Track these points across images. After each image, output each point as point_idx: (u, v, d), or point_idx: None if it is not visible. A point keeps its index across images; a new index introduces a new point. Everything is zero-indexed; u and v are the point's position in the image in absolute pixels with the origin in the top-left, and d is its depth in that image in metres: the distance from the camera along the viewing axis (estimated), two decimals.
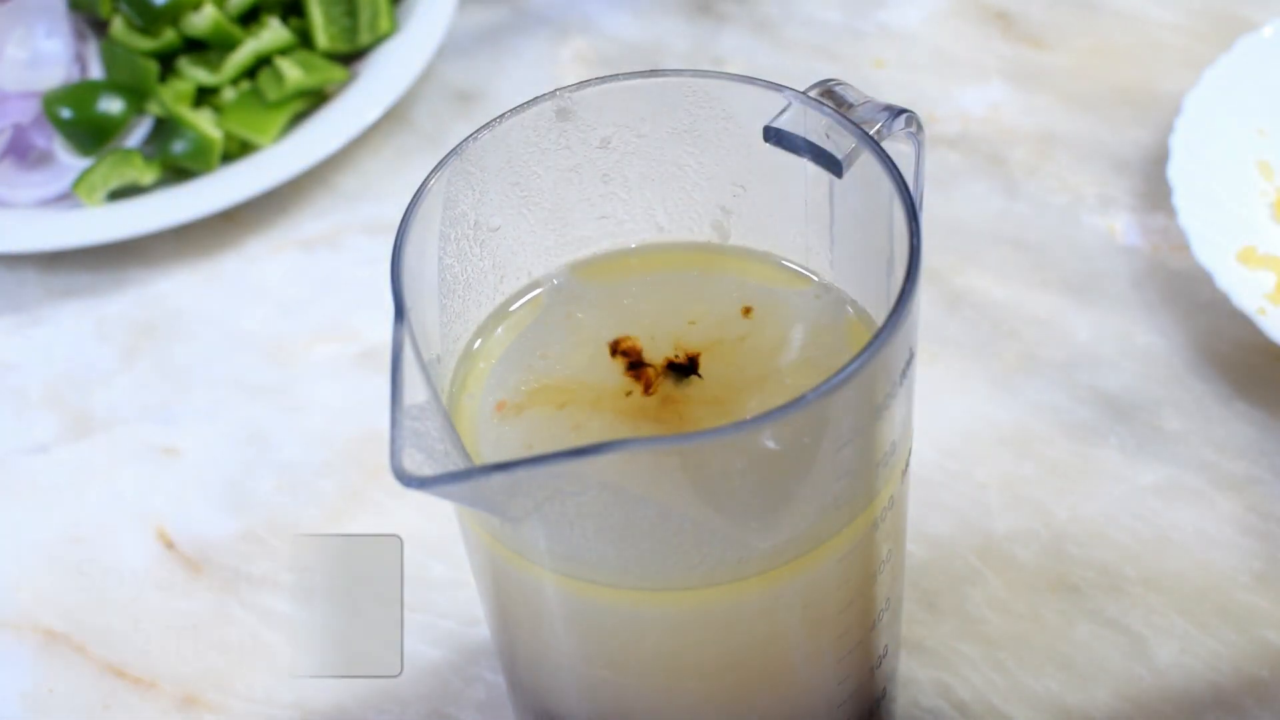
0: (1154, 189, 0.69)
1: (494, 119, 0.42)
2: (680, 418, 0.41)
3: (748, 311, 0.44)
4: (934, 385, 0.62)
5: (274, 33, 0.75)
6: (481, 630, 0.56)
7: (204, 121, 0.72)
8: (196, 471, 0.62)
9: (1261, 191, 0.65)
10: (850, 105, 0.42)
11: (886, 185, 0.39)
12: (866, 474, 0.39)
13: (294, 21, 0.77)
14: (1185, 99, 0.67)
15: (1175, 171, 0.64)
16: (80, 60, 0.76)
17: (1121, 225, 0.68)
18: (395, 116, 0.76)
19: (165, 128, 0.73)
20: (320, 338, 0.67)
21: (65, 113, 0.72)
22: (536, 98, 0.42)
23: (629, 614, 0.40)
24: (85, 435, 0.64)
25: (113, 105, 0.72)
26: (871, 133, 0.41)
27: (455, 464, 0.36)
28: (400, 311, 0.37)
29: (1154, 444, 0.60)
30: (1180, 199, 0.63)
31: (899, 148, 0.41)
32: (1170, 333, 0.63)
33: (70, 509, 0.62)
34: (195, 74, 0.74)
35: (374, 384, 0.64)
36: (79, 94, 0.73)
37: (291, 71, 0.73)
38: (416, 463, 0.35)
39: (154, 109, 0.73)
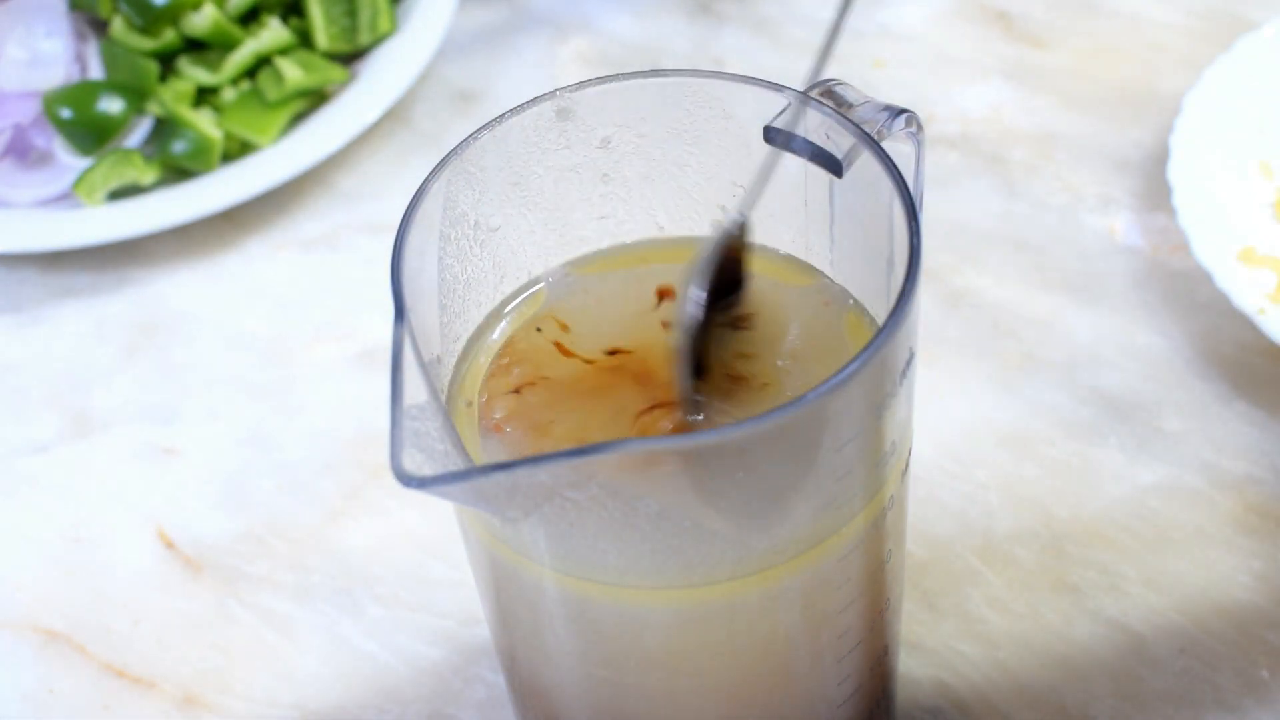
0: (1154, 189, 0.69)
1: (494, 119, 0.42)
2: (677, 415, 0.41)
3: (747, 310, 0.43)
4: (934, 385, 0.62)
5: (274, 33, 0.75)
6: (481, 630, 0.56)
7: (204, 121, 0.72)
8: (196, 471, 0.62)
9: (1261, 191, 0.65)
10: (850, 105, 0.42)
11: (886, 185, 0.39)
12: (866, 474, 0.39)
13: (294, 21, 0.77)
14: (1185, 99, 0.67)
15: (1175, 171, 0.64)
16: (80, 60, 0.76)
17: (1121, 225, 0.68)
18: (395, 116, 0.76)
19: (165, 128, 0.73)
20: (320, 338, 0.67)
21: (65, 113, 0.72)
22: (536, 98, 0.42)
23: (629, 613, 0.40)
24: (85, 435, 0.64)
25: (113, 105, 0.72)
26: (872, 133, 0.41)
27: (455, 464, 0.36)
28: (400, 311, 0.37)
29: (1154, 444, 0.60)
30: (1180, 199, 0.63)
31: (899, 148, 0.41)
32: (1170, 333, 0.63)
33: (70, 509, 0.62)
34: (195, 74, 0.74)
35: (374, 384, 0.64)
36: (79, 94, 0.73)
37: (291, 71, 0.73)
38: (416, 463, 0.35)
39: (154, 109, 0.73)
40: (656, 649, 0.42)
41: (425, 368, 0.37)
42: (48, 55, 0.75)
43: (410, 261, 0.39)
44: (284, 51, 0.75)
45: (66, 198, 0.72)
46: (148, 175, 0.71)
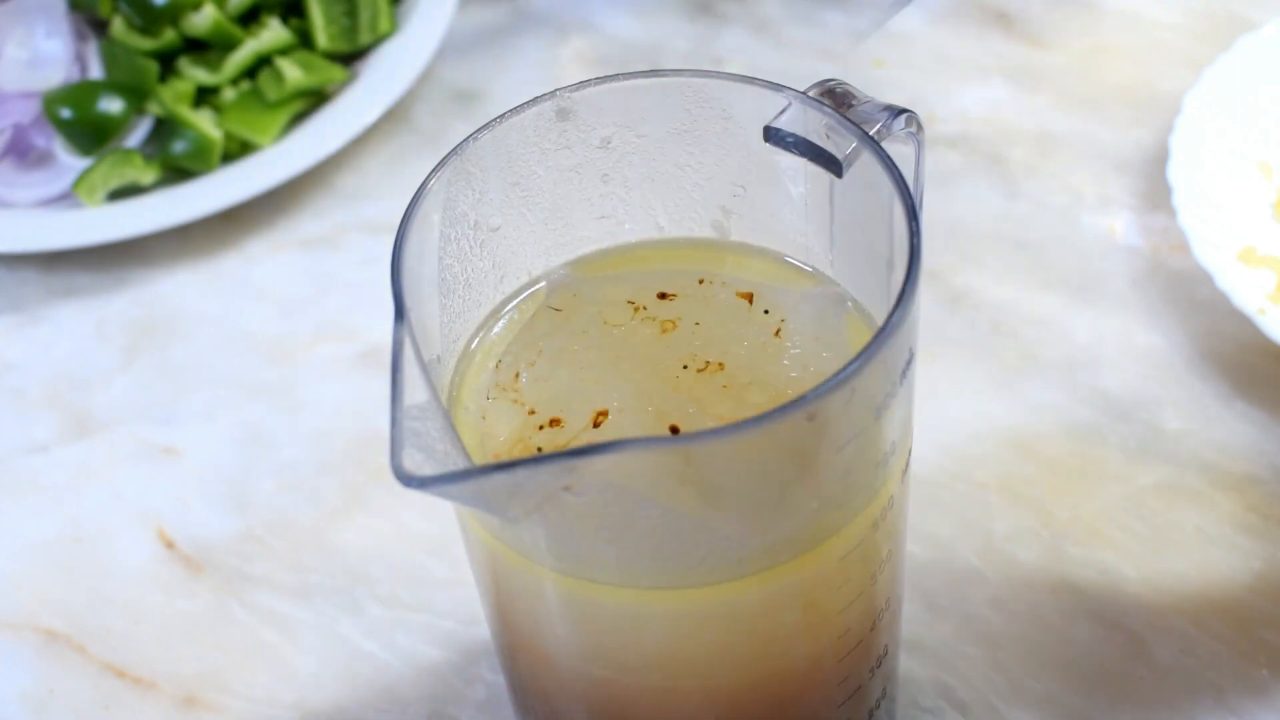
0: (1154, 189, 0.69)
1: (494, 119, 0.42)
2: (677, 415, 0.41)
3: (748, 310, 0.43)
4: (934, 385, 0.62)
5: (274, 33, 0.75)
6: (481, 630, 0.56)
7: (204, 121, 0.72)
8: (196, 471, 0.62)
9: (1261, 191, 0.65)
10: (850, 105, 0.42)
11: (886, 185, 0.39)
12: (866, 474, 0.39)
13: (294, 21, 0.77)
14: (1185, 99, 0.67)
15: (1175, 171, 0.64)
16: (80, 60, 0.76)
17: (1121, 225, 0.68)
18: (395, 116, 0.76)
19: (165, 128, 0.73)
20: (320, 338, 0.67)
21: (65, 113, 0.72)
22: (536, 98, 0.42)
23: (629, 613, 0.40)
24: (85, 435, 0.64)
25: (113, 105, 0.72)
26: (871, 133, 0.41)
27: (455, 464, 0.36)
28: (400, 311, 0.37)
29: (1154, 444, 0.60)
30: (1180, 199, 0.63)
31: (899, 148, 0.41)
32: (1170, 333, 0.63)
33: (70, 509, 0.62)
34: (195, 74, 0.74)
35: (374, 384, 0.64)
36: (79, 94, 0.73)
37: (291, 71, 0.73)
38: (416, 463, 0.35)
39: (154, 109, 0.73)
40: (656, 649, 0.42)
41: (425, 368, 0.37)
42: (48, 55, 0.75)
43: (410, 261, 0.39)
44: (284, 51, 0.75)
45: (66, 198, 0.72)
46: (148, 175, 0.71)
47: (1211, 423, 0.60)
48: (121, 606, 0.58)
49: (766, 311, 0.43)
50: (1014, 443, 0.60)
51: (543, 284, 0.45)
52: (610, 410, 0.41)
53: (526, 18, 0.81)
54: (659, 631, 0.41)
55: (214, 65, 0.74)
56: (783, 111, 0.42)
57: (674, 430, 0.40)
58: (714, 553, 0.38)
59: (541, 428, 0.41)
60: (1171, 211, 0.66)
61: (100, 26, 0.77)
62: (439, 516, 0.59)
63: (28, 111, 0.74)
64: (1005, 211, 0.69)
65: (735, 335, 0.43)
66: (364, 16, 0.76)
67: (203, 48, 0.75)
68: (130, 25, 0.74)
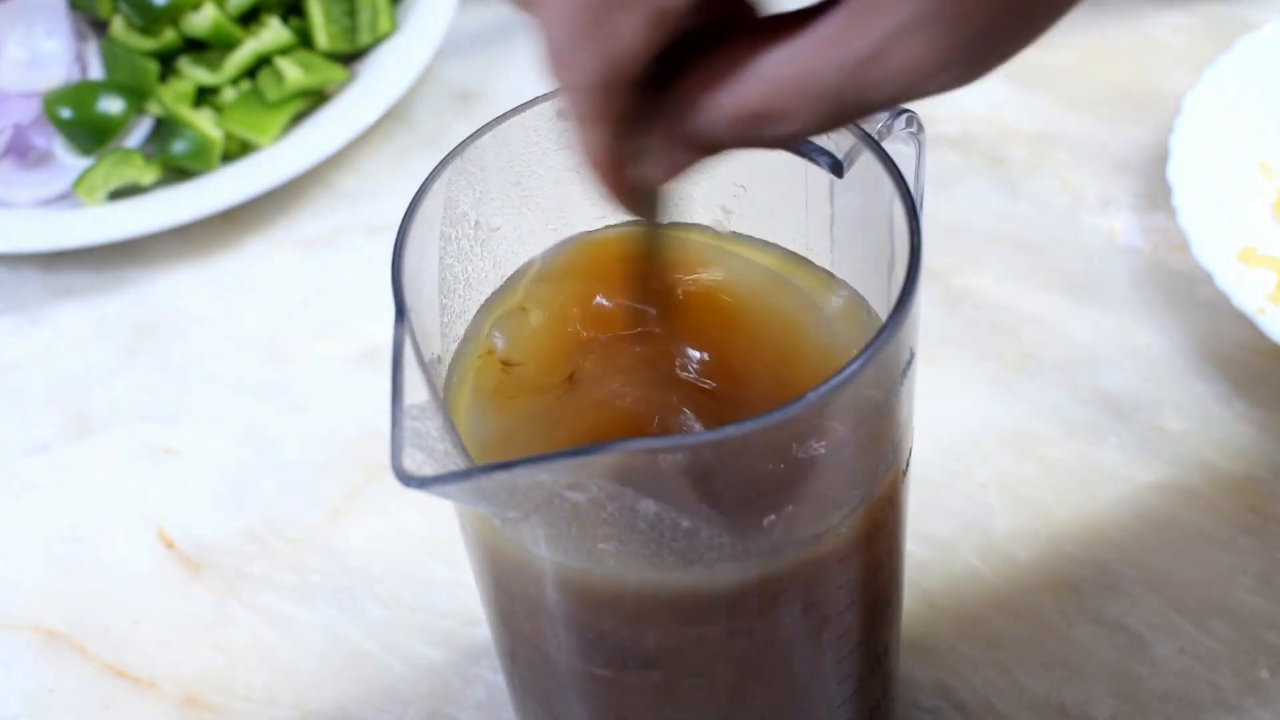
0: (1154, 189, 0.69)
1: (494, 119, 0.42)
2: (676, 414, 0.41)
3: (748, 309, 0.44)
4: (934, 385, 0.62)
5: (274, 33, 0.75)
6: (481, 630, 0.56)
7: (204, 121, 0.72)
8: (196, 471, 0.62)
9: (1261, 191, 0.65)
10: None
11: (886, 185, 0.39)
12: (866, 474, 0.39)
13: (294, 21, 0.77)
14: (1185, 99, 0.67)
15: (1175, 171, 0.64)
16: (80, 60, 0.76)
17: (1121, 225, 0.68)
18: (395, 116, 0.76)
19: (165, 128, 0.73)
20: (320, 338, 0.67)
21: (65, 113, 0.72)
22: (537, 98, 0.42)
23: (629, 611, 0.40)
24: (85, 435, 0.64)
25: (113, 105, 0.72)
26: (872, 132, 0.41)
27: (455, 464, 0.36)
28: (400, 311, 0.37)
29: (1154, 444, 0.60)
30: (1180, 199, 0.63)
31: (899, 148, 0.41)
32: (1170, 333, 0.63)
33: (70, 509, 0.62)
34: (195, 74, 0.74)
35: (374, 384, 0.64)
36: (79, 94, 0.73)
37: (291, 71, 0.73)
38: (416, 463, 0.35)
39: (154, 109, 0.73)
40: (656, 648, 0.42)
41: (425, 368, 0.37)
42: (48, 55, 0.75)
43: (410, 261, 0.39)
44: (284, 51, 0.75)
45: (66, 198, 0.72)
46: (148, 175, 0.71)
47: (1211, 423, 0.60)
48: (121, 606, 0.58)
49: (766, 311, 0.43)
50: (1014, 443, 0.60)
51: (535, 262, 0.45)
52: (606, 396, 0.41)
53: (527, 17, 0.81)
54: (659, 630, 0.41)
55: (214, 65, 0.74)
56: None
57: (669, 429, 0.41)
58: (714, 552, 0.38)
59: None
60: (1171, 211, 0.66)
61: (100, 26, 0.77)
62: (439, 516, 0.59)
63: (28, 111, 0.74)
64: (1005, 211, 0.69)
65: (734, 334, 0.43)
66: (364, 16, 0.76)
67: (203, 48, 0.75)
68: (130, 25, 0.74)
